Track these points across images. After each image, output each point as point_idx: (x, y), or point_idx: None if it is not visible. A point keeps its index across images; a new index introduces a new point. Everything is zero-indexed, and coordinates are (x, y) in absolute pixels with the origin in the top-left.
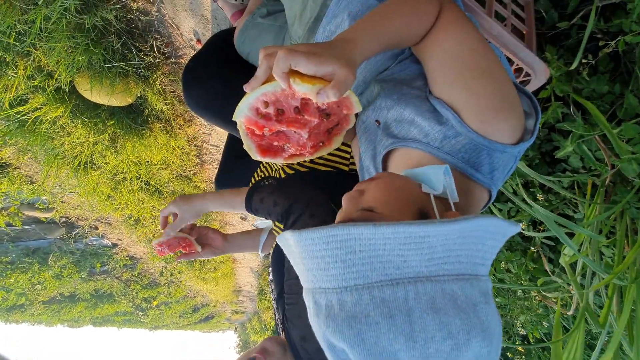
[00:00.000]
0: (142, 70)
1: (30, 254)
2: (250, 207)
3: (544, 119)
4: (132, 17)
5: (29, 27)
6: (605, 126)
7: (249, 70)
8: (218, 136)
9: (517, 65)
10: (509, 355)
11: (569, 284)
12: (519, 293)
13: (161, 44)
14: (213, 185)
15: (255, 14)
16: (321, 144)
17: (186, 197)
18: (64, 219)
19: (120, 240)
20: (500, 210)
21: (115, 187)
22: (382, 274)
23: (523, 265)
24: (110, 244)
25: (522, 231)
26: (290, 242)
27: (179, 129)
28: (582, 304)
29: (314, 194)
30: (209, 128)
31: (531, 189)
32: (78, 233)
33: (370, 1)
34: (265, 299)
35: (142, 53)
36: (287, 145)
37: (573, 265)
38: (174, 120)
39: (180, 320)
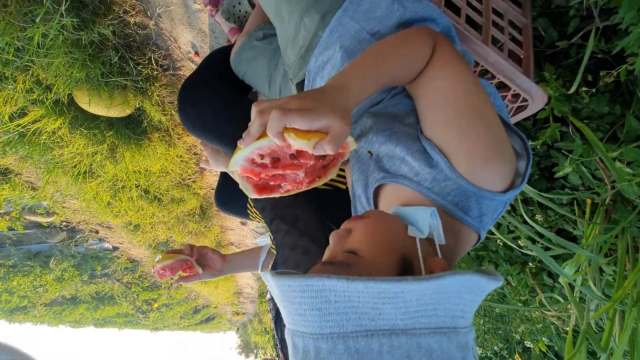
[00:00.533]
0: (141, 83)
1: (32, 257)
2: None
3: (543, 139)
4: (129, 31)
5: (27, 44)
6: (602, 151)
7: (245, 88)
8: None
9: (515, 91)
10: None
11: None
12: (519, 304)
13: (159, 57)
14: (213, 193)
15: (251, 36)
16: (317, 178)
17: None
18: (64, 223)
19: (121, 243)
20: (500, 224)
21: (115, 194)
22: (357, 325)
23: (522, 280)
24: (111, 247)
25: (519, 248)
26: (271, 283)
27: (177, 138)
28: (583, 327)
29: (305, 212)
30: None
31: (530, 207)
32: (79, 237)
33: (363, 35)
34: (265, 302)
35: (140, 66)
36: (284, 183)
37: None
38: (172, 130)
39: (182, 321)
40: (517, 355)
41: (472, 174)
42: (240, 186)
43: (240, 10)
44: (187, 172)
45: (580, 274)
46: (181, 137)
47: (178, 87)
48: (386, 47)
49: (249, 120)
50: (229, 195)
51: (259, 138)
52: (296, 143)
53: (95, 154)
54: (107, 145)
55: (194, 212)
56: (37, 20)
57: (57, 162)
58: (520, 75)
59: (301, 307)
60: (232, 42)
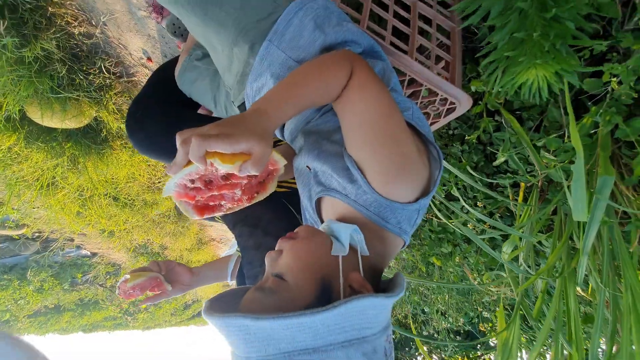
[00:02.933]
0: (94, 93)
1: (7, 271)
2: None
3: (478, 133)
4: (75, 42)
5: None
6: (527, 141)
7: (191, 103)
8: None
9: (442, 95)
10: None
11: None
12: (476, 282)
13: (110, 65)
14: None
15: (191, 56)
16: (256, 193)
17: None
18: (37, 234)
19: (100, 249)
20: (449, 209)
21: (83, 204)
22: (276, 349)
23: (476, 259)
24: (89, 253)
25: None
26: (206, 319)
27: None
28: (518, 299)
29: (266, 212)
30: None
31: (475, 194)
32: (53, 247)
33: (289, 62)
34: None
35: (92, 75)
36: (224, 202)
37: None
38: None
39: (173, 318)
40: (481, 325)
41: (385, 189)
42: (181, 209)
43: (182, 26)
44: (155, 175)
45: (519, 251)
46: None
47: (134, 93)
48: (305, 74)
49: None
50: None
51: (186, 165)
52: (222, 167)
53: (56, 166)
54: (67, 157)
55: (169, 214)
56: None
57: (17, 178)
58: (444, 82)
59: (230, 338)
60: (181, 49)
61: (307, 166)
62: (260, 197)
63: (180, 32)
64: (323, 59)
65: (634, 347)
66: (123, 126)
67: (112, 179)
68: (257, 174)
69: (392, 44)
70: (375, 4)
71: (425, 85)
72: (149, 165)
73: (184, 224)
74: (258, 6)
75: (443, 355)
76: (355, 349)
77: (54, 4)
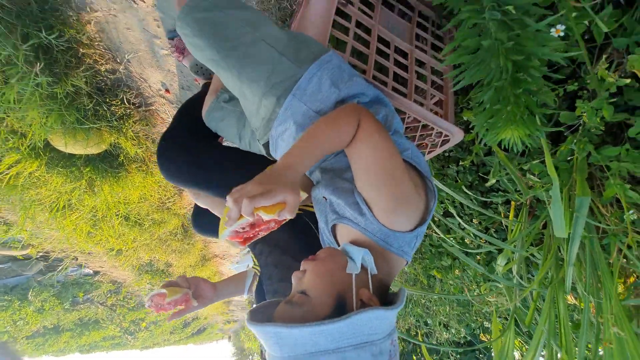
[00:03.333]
0: (115, 122)
1: (8, 291)
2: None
3: (471, 158)
4: (101, 77)
5: (0, 100)
6: (510, 168)
7: (214, 134)
8: None
9: (438, 130)
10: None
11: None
12: (475, 293)
13: (130, 96)
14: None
15: (219, 98)
16: (283, 221)
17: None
18: (41, 254)
19: (102, 267)
20: (448, 225)
21: (95, 224)
22: (303, 350)
23: (474, 270)
24: (91, 272)
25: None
26: (248, 325)
27: (154, 166)
28: (512, 308)
29: (284, 234)
30: None
31: (470, 211)
32: (58, 267)
33: (310, 113)
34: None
35: (113, 107)
36: (261, 232)
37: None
38: (149, 159)
39: (172, 336)
40: (482, 335)
41: (388, 221)
42: (230, 244)
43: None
44: (165, 196)
45: (512, 264)
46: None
47: (151, 121)
48: (319, 130)
49: (219, 167)
50: (205, 220)
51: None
52: (266, 217)
53: (74, 190)
54: (85, 180)
55: (176, 232)
56: (13, 81)
57: (34, 201)
58: (439, 119)
59: (267, 342)
60: (199, 82)
61: (324, 197)
62: (284, 222)
63: (202, 71)
64: (335, 115)
65: (612, 346)
66: (139, 151)
67: (125, 199)
68: (292, 217)
69: (393, 88)
70: (377, 54)
71: (423, 122)
72: (160, 186)
73: (189, 242)
74: (286, 68)
75: None
76: (365, 351)
77: (84, 45)
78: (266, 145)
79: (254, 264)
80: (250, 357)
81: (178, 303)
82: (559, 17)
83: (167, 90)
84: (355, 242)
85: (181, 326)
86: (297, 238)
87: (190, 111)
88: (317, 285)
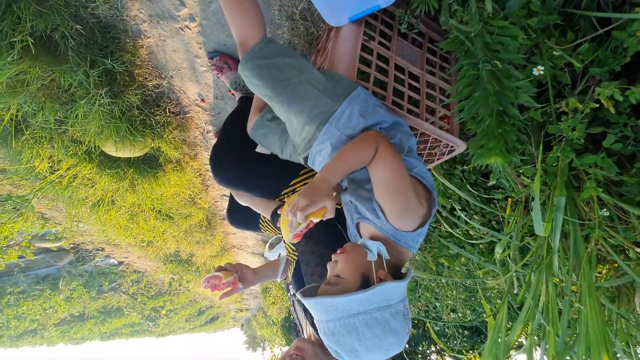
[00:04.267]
0: (157, 129)
1: (40, 281)
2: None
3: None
4: (148, 92)
5: (66, 116)
6: (508, 173)
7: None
8: None
9: (445, 142)
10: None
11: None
12: (480, 276)
13: (171, 106)
14: (217, 208)
15: (263, 117)
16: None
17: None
18: (71, 245)
19: (126, 257)
20: (456, 219)
21: (131, 218)
22: (342, 313)
23: (479, 257)
24: (117, 262)
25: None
26: (300, 299)
27: (187, 166)
28: (506, 288)
29: (316, 227)
30: None
31: (473, 207)
32: (86, 258)
33: (342, 137)
34: (269, 296)
35: (157, 116)
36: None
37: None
38: (183, 160)
39: (187, 324)
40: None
41: (396, 224)
42: (286, 241)
43: (241, 77)
44: (194, 192)
45: (508, 251)
46: (189, 163)
47: (187, 127)
48: (348, 153)
49: (262, 173)
50: (240, 215)
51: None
52: (316, 220)
53: (118, 189)
54: (128, 180)
55: (201, 224)
56: (82, 102)
57: (81, 199)
58: (445, 134)
59: (315, 309)
60: (233, 93)
61: (350, 200)
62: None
63: (240, 87)
64: (359, 141)
65: (576, 316)
66: (176, 153)
67: (161, 196)
68: (332, 217)
69: (408, 110)
70: (395, 82)
71: (432, 136)
72: (191, 183)
73: (211, 233)
74: (325, 103)
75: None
76: (385, 311)
77: (137, 65)
78: (306, 158)
79: (289, 252)
80: (262, 344)
81: (229, 284)
82: (539, 59)
83: (202, 100)
84: (373, 237)
85: (196, 314)
86: (325, 231)
87: (234, 126)
88: (346, 270)
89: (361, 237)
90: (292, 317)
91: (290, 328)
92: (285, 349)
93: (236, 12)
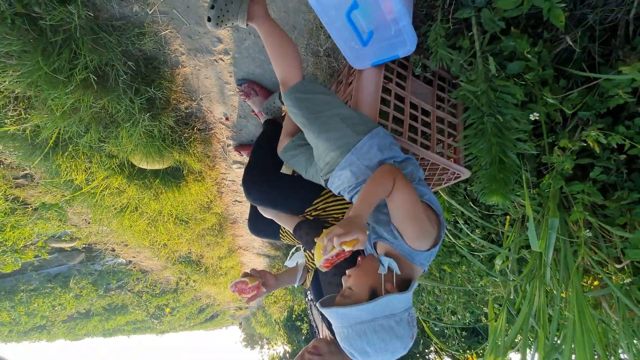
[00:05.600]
0: (185, 145)
1: (51, 279)
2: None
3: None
4: (179, 113)
5: (107, 136)
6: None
7: (281, 164)
8: (235, 174)
9: (452, 170)
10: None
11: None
12: (479, 284)
13: (197, 123)
14: (229, 212)
15: (294, 141)
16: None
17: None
18: (84, 245)
19: (134, 257)
20: (458, 231)
21: (151, 223)
22: (353, 321)
23: (477, 266)
24: (125, 261)
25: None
26: (320, 309)
27: (206, 174)
28: (505, 296)
29: None
30: (228, 168)
31: (473, 222)
32: (96, 257)
33: (361, 166)
34: (271, 295)
35: (186, 133)
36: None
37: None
38: (204, 172)
39: (187, 322)
40: (484, 320)
41: (412, 244)
42: (316, 265)
43: (274, 104)
44: (210, 199)
45: (507, 263)
46: (208, 172)
47: (210, 142)
48: (372, 189)
49: (289, 193)
50: (260, 224)
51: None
52: (347, 249)
53: (144, 198)
54: (154, 190)
55: (213, 228)
56: (128, 125)
57: (108, 206)
58: (453, 164)
59: (331, 317)
60: (256, 113)
61: (368, 223)
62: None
63: (269, 112)
64: (380, 177)
65: (565, 323)
66: (199, 165)
67: (181, 203)
68: (362, 248)
69: (421, 144)
70: (410, 119)
71: (442, 165)
72: (209, 192)
73: (221, 236)
74: (349, 136)
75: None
76: (390, 319)
77: (173, 91)
78: (326, 181)
79: (308, 261)
80: (260, 342)
81: (254, 288)
82: (535, 106)
83: (227, 119)
84: (387, 253)
85: (196, 312)
86: None
87: (263, 149)
88: (357, 283)
89: (377, 254)
90: (309, 318)
91: (292, 327)
92: (288, 347)
93: (281, 57)
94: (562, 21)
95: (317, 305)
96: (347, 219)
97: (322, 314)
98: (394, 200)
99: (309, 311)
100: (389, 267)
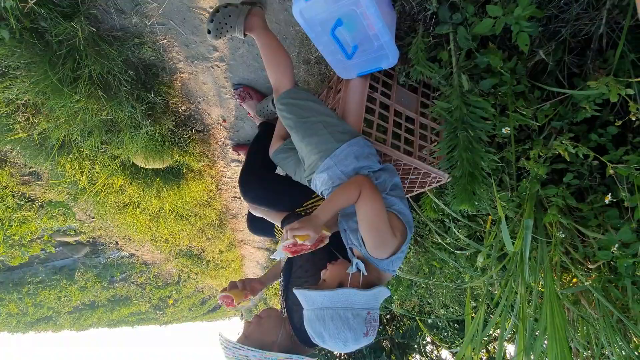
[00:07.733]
0: (184, 145)
1: (57, 272)
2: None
3: None
4: (178, 116)
5: (109, 138)
6: (487, 199)
7: (274, 166)
8: (234, 172)
9: (433, 174)
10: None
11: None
12: (467, 279)
13: (195, 125)
14: (229, 208)
15: (285, 145)
16: (316, 245)
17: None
18: (88, 239)
19: (137, 250)
20: (444, 231)
21: (153, 219)
22: (315, 305)
23: (465, 264)
24: (128, 254)
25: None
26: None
27: (205, 172)
28: (484, 291)
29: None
30: (227, 167)
31: (460, 220)
32: (100, 250)
33: (337, 171)
34: (272, 287)
35: (185, 135)
36: (303, 250)
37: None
38: (203, 170)
39: (190, 313)
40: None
41: (372, 252)
42: (281, 254)
43: (267, 107)
44: (210, 195)
45: (487, 261)
46: (207, 170)
47: (208, 142)
48: (336, 195)
49: (282, 193)
50: (258, 224)
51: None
52: (299, 241)
53: (145, 196)
54: (155, 188)
55: (214, 223)
56: (130, 131)
57: (111, 204)
58: (434, 169)
59: (300, 298)
60: (252, 115)
61: (344, 229)
62: (318, 247)
63: (264, 115)
64: (347, 185)
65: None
66: (198, 164)
67: (181, 199)
68: (310, 244)
69: (404, 150)
70: (394, 127)
71: (423, 170)
72: (209, 189)
73: (221, 231)
74: (330, 142)
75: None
76: (347, 311)
77: (171, 95)
78: (309, 181)
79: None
80: None
81: (241, 301)
82: (507, 120)
83: (224, 120)
84: (360, 257)
85: (199, 303)
86: (324, 249)
87: (258, 150)
88: (330, 277)
89: (354, 254)
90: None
91: None
92: None
93: (275, 66)
94: (526, 44)
95: (293, 289)
96: (305, 217)
97: (283, 295)
98: (359, 210)
99: (281, 293)
100: (358, 268)
